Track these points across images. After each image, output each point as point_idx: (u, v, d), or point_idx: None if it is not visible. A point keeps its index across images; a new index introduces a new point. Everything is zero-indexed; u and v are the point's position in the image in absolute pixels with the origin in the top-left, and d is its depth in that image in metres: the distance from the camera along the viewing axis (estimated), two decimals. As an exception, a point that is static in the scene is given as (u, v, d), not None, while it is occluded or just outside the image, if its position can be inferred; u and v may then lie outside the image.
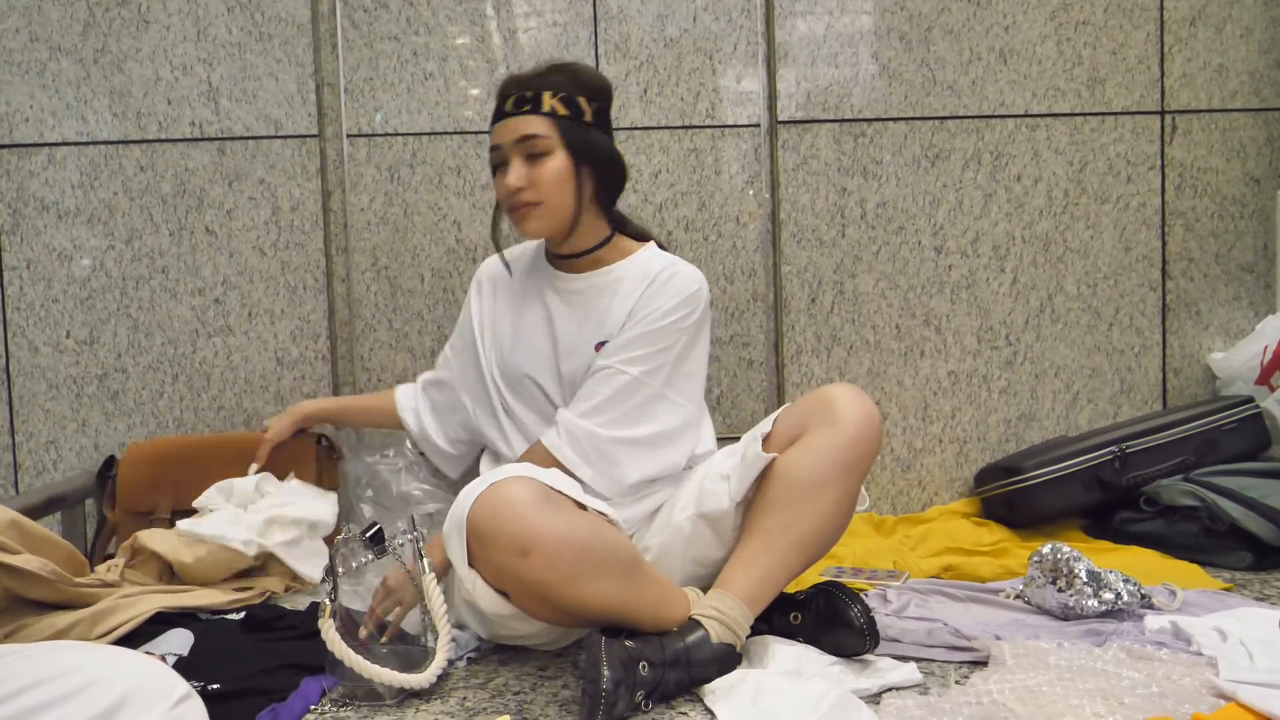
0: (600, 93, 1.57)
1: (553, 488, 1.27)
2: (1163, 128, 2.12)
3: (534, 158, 1.51)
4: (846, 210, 2.08)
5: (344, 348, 2.07)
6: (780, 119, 2.06)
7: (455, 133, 2.04)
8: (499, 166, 1.55)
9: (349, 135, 2.04)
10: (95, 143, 2.03)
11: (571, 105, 1.52)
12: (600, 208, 1.58)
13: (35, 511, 1.73)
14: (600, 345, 1.55)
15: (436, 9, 2.03)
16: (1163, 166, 2.12)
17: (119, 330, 2.04)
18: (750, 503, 1.39)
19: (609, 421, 1.49)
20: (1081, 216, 2.11)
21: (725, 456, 1.48)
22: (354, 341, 2.07)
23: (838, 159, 2.08)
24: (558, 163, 1.51)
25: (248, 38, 2.02)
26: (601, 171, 1.55)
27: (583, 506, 1.30)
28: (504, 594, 1.27)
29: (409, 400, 1.81)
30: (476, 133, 2.04)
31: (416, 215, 2.05)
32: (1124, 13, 2.09)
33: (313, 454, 1.87)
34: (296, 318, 2.06)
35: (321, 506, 1.78)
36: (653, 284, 1.54)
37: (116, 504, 1.87)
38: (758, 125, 2.07)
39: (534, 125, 1.50)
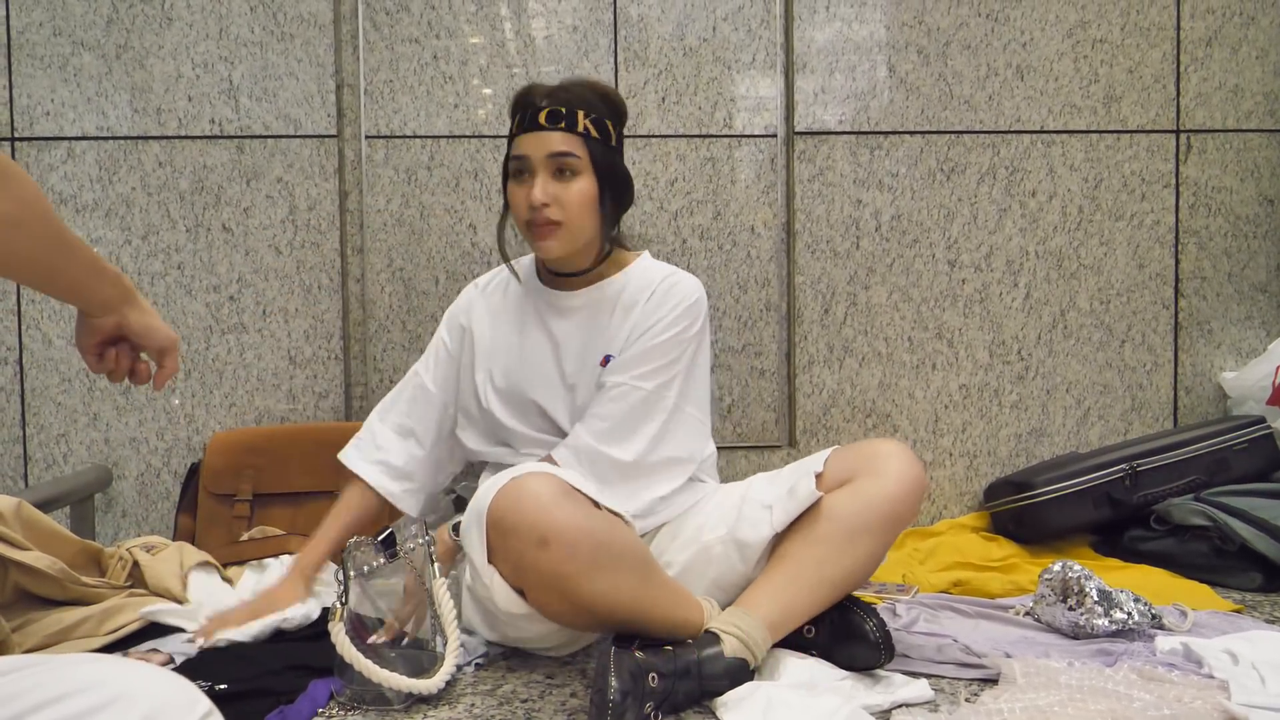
0: (624, 116, 1.58)
1: (572, 485, 1.28)
2: (1178, 146, 2.12)
3: (563, 175, 1.48)
4: (861, 222, 2.08)
5: (357, 348, 2.07)
6: (797, 129, 2.06)
7: (473, 136, 2.05)
8: (518, 175, 1.51)
9: (367, 136, 2.04)
10: (115, 138, 2.03)
11: (602, 128, 1.51)
12: (607, 228, 1.57)
13: (44, 505, 1.73)
14: (606, 359, 1.54)
15: (457, 13, 2.04)
16: (1177, 185, 2.12)
17: (132, 326, 2.05)
18: (784, 533, 1.39)
19: (627, 443, 1.47)
20: (1095, 233, 2.11)
21: (766, 484, 1.47)
22: (367, 342, 2.07)
23: (853, 171, 2.08)
24: (585, 185, 1.49)
25: (269, 37, 2.03)
26: (620, 197, 1.56)
27: (598, 507, 1.31)
28: (520, 593, 1.28)
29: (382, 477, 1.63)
30: (494, 137, 2.05)
31: (432, 218, 2.06)
32: (1141, 32, 2.09)
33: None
34: (310, 317, 2.06)
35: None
36: (653, 295, 1.54)
37: (200, 490, 1.93)
38: (774, 135, 2.07)
39: (569, 143, 1.48)
